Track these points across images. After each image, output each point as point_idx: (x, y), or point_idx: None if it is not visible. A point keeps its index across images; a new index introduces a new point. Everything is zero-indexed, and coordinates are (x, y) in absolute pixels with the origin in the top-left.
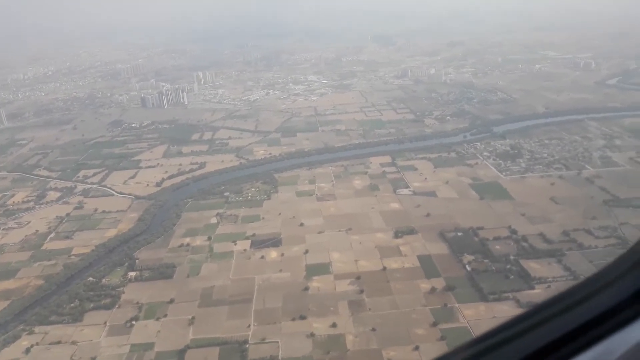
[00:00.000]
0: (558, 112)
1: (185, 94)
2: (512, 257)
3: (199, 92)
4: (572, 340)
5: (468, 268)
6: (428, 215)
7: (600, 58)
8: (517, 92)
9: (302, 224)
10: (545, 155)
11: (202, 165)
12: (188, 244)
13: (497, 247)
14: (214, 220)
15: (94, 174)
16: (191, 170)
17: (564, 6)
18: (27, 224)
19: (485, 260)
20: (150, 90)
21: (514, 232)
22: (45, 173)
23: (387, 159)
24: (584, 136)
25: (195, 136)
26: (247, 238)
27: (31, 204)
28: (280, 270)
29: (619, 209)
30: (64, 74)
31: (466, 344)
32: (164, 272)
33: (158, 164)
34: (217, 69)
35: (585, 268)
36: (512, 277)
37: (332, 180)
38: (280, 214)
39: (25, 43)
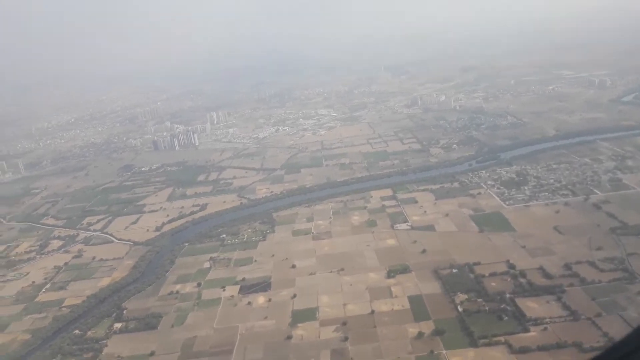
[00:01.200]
0: (569, 134)
1: (196, 135)
2: (507, 295)
3: (211, 132)
4: None
5: (460, 309)
6: (424, 251)
7: (616, 75)
8: (527, 115)
9: (293, 266)
10: (551, 181)
11: (203, 207)
12: (177, 292)
13: (493, 284)
14: (206, 265)
15: (98, 221)
16: (192, 213)
17: (582, 25)
18: (26, 275)
19: (479, 300)
20: (164, 133)
21: (512, 266)
22: (52, 222)
23: (388, 192)
24: (594, 158)
25: (201, 177)
26: (236, 283)
27: (33, 254)
28: (266, 318)
29: (628, 237)
30: (85, 121)
31: None
32: (149, 322)
33: (161, 207)
34: (231, 108)
35: (587, 306)
36: (506, 318)
37: (330, 217)
38: (273, 255)
39: (52, 90)
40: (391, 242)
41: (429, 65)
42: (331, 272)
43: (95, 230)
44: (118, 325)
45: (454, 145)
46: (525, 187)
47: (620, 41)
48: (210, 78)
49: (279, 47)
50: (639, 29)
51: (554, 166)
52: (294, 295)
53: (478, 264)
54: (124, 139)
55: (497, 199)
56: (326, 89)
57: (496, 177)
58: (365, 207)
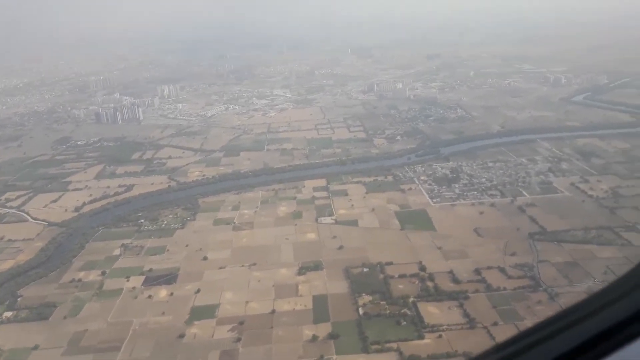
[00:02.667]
0: (513, 131)
1: (141, 109)
2: (411, 299)
3: (159, 106)
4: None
5: (361, 311)
6: (341, 247)
7: (574, 72)
8: (478, 109)
9: (205, 258)
10: (483, 179)
11: (129, 187)
12: (80, 280)
13: (400, 286)
14: (116, 252)
15: (18, 197)
16: (116, 194)
17: (562, 16)
18: None
19: (382, 302)
20: (112, 105)
21: (424, 268)
22: None
23: (322, 182)
24: (531, 158)
25: (136, 155)
26: (142, 274)
27: None
28: (163, 313)
29: (543, 243)
30: (34, 87)
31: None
32: (42, 312)
33: (86, 185)
34: (188, 81)
35: (486, 314)
36: (404, 323)
37: (257, 207)
38: (187, 245)
39: (9, 52)
40: (311, 236)
41: (397, 50)
42: (242, 266)
43: (11, 208)
44: (8, 314)
45: (398, 137)
46: (457, 185)
47: (591, 37)
48: (175, 48)
49: (253, 20)
50: (617, 24)
51: (490, 164)
52: (198, 290)
53: (390, 263)
54: (69, 108)
55: (426, 195)
56: (288, 68)
57: (431, 172)
58: (294, 198)
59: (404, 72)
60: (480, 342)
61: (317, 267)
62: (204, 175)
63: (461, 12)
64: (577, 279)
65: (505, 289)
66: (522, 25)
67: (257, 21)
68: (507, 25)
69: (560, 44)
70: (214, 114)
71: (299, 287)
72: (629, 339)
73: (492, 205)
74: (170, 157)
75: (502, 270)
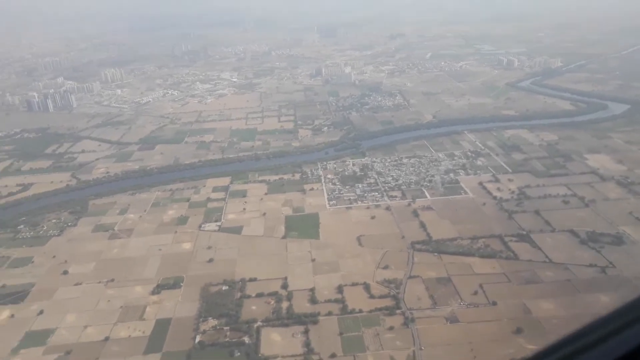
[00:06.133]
0: (444, 121)
1: (73, 96)
2: (257, 324)
3: (98, 92)
4: None
5: (197, 339)
6: (211, 260)
7: (530, 54)
8: (418, 95)
9: (66, 272)
10: (390, 179)
11: (26, 187)
12: None
13: (253, 307)
14: None
15: None
16: (10, 194)
17: None
18: None
19: (226, 328)
20: (51, 90)
21: (286, 286)
22: None
23: (225, 181)
24: (449, 153)
25: (51, 149)
26: None
27: None
28: None
29: (423, 254)
30: None
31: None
32: None
33: None
34: (140, 63)
35: (328, 343)
36: (237, 354)
37: (145, 210)
38: (54, 257)
39: None
40: (186, 246)
41: (363, 28)
42: (99, 282)
43: None
44: None
45: (325, 128)
46: (361, 185)
47: (560, 14)
48: (145, 25)
49: None
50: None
51: (405, 160)
52: (42, 312)
53: (255, 279)
54: (7, 94)
55: (325, 197)
56: (247, 48)
57: (341, 169)
58: (188, 200)
59: (361, 54)
60: None
61: (176, 284)
62: (108, 173)
63: None
64: (442, 300)
65: (361, 311)
66: (497, 2)
67: None
68: (483, 1)
69: (527, 23)
70: (149, 101)
71: (147, 308)
72: None
73: (388, 208)
74: (83, 151)
75: (366, 287)
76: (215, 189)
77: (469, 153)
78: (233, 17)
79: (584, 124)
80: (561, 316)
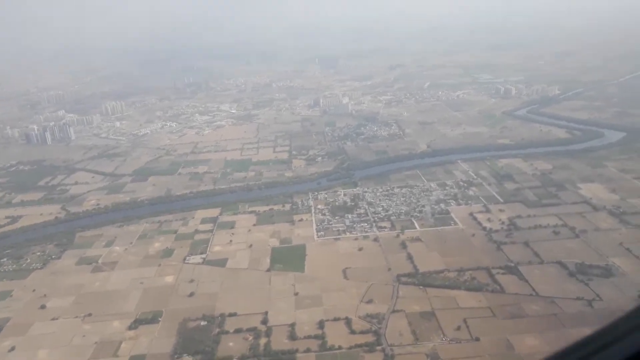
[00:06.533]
0: (438, 151)
1: (72, 128)
2: None
3: (98, 124)
4: None
5: None
6: (192, 294)
7: (528, 82)
8: (414, 125)
9: (43, 306)
10: (380, 209)
11: (15, 219)
12: None
13: (230, 344)
14: None
15: None
16: None
17: (541, 21)
18: None
19: None
20: (52, 123)
21: (266, 321)
22: None
23: (215, 212)
24: (441, 183)
25: (44, 181)
26: None
27: None
28: None
29: (409, 287)
30: None
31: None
32: None
33: None
34: (142, 96)
35: None
36: None
37: (132, 242)
38: (34, 290)
39: None
40: (169, 279)
41: (363, 60)
42: (76, 317)
43: None
44: None
45: (319, 158)
46: (350, 215)
47: (560, 42)
48: (150, 58)
49: (239, 24)
50: (591, 29)
51: (396, 190)
52: (13, 348)
53: (235, 314)
54: (8, 127)
55: (314, 228)
56: (248, 80)
57: (332, 199)
58: (176, 232)
59: (360, 84)
60: None
61: (154, 319)
62: (98, 205)
63: (445, 15)
64: (424, 335)
65: (340, 347)
66: (498, 30)
67: (242, 26)
68: (484, 29)
69: (527, 51)
70: (147, 133)
71: (122, 345)
72: None
73: (376, 239)
74: (76, 183)
75: (348, 322)
76: (203, 221)
77: (461, 183)
78: (237, 50)
79: (579, 153)
80: (544, 352)
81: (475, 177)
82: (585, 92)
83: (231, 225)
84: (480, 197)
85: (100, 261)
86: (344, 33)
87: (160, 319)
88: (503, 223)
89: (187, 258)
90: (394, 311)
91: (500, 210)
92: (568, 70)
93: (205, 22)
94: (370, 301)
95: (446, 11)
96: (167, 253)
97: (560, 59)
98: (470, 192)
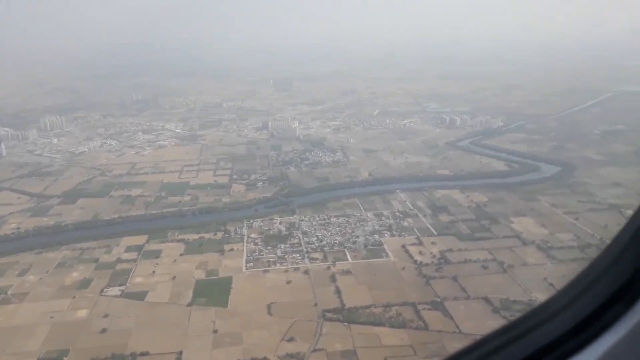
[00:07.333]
0: (378, 179)
1: (3, 144)
2: None
3: (34, 140)
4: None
5: None
6: (104, 331)
7: (474, 113)
8: (359, 152)
9: None
10: (314, 239)
11: None
12: None
13: None
14: None
15: None
16: None
17: (494, 55)
18: None
19: None
20: None
21: None
22: None
23: (141, 239)
24: (378, 213)
25: None
26: None
27: None
28: None
29: (334, 323)
30: None
31: (466, 347)
32: None
33: None
34: (86, 111)
35: None
36: None
37: (48, 271)
38: None
39: None
40: (82, 313)
41: (318, 83)
42: None
43: None
44: None
45: (260, 183)
46: (283, 245)
47: (508, 75)
48: (101, 72)
49: (192, 46)
50: (540, 62)
51: (332, 219)
52: None
53: (146, 354)
54: None
55: (244, 259)
56: (199, 99)
57: (267, 228)
58: (97, 260)
59: (312, 108)
60: None
61: (59, 358)
62: (19, 229)
63: (402, 42)
64: None
65: None
66: (449, 60)
67: (202, 44)
68: (437, 59)
69: (476, 83)
70: (85, 151)
71: None
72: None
73: (306, 272)
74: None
75: None
76: (128, 249)
77: (398, 213)
78: (192, 66)
79: (514, 186)
80: None
81: (412, 207)
82: (527, 124)
83: (157, 255)
84: (414, 229)
85: (9, 292)
86: (304, 54)
87: (65, 359)
88: (434, 257)
89: (105, 290)
90: (314, 350)
91: (433, 243)
92: (512, 103)
93: (163, 38)
94: (291, 339)
95: (404, 39)
96: (84, 284)
97: (506, 92)
98: (405, 223)
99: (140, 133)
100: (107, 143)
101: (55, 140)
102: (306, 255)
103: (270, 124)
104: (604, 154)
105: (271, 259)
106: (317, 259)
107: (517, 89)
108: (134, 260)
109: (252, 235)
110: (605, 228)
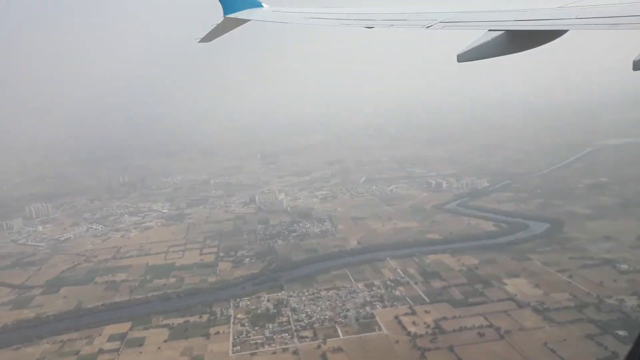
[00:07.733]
0: (367, 247)
1: None
2: None
3: (18, 229)
4: None
5: None
6: None
7: (459, 175)
8: (347, 221)
9: None
10: (304, 315)
11: None
12: None
13: None
14: None
15: None
16: None
17: (471, 117)
18: None
19: None
20: None
21: None
22: None
23: (125, 327)
24: (369, 283)
25: None
26: None
27: None
28: None
29: None
30: None
31: None
32: None
33: None
34: (73, 197)
35: None
36: None
37: None
38: None
39: None
40: None
41: (304, 155)
42: None
43: None
44: None
45: (247, 259)
46: (271, 325)
47: (490, 134)
48: (82, 158)
49: (174, 124)
50: (521, 120)
51: (322, 293)
52: None
53: None
54: None
55: (230, 342)
56: (186, 178)
57: (254, 307)
58: (78, 353)
59: (299, 179)
60: None
61: None
62: None
63: (382, 111)
64: None
65: None
66: (430, 125)
67: (186, 119)
68: (417, 125)
69: (459, 144)
70: (70, 237)
71: None
72: None
73: (295, 352)
74: None
75: None
76: (111, 338)
77: (389, 282)
78: (180, 145)
79: (505, 246)
80: None
81: (403, 275)
82: (512, 183)
83: (140, 342)
84: (406, 298)
85: None
86: (289, 127)
87: None
88: (428, 326)
89: None
90: None
91: (426, 312)
92: (496, 162)
93: (149, 118)
94: None
95: (383, 108)
96: None
97: (489, 152)
98: (397, 292)
99: (126, 215)
100: (92, 228)
101: (40, 228)
102: (295, 334)
103: (257, 197)
104: (591, 207)
105: (259, 341)
106: (306, 337)
107: (500, 149)
108: (117, 350)
109: (239, 316)
110: (601, 285)
